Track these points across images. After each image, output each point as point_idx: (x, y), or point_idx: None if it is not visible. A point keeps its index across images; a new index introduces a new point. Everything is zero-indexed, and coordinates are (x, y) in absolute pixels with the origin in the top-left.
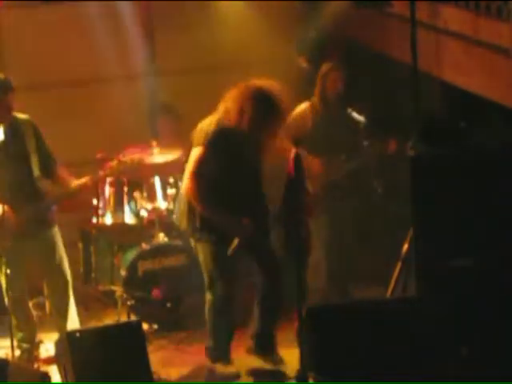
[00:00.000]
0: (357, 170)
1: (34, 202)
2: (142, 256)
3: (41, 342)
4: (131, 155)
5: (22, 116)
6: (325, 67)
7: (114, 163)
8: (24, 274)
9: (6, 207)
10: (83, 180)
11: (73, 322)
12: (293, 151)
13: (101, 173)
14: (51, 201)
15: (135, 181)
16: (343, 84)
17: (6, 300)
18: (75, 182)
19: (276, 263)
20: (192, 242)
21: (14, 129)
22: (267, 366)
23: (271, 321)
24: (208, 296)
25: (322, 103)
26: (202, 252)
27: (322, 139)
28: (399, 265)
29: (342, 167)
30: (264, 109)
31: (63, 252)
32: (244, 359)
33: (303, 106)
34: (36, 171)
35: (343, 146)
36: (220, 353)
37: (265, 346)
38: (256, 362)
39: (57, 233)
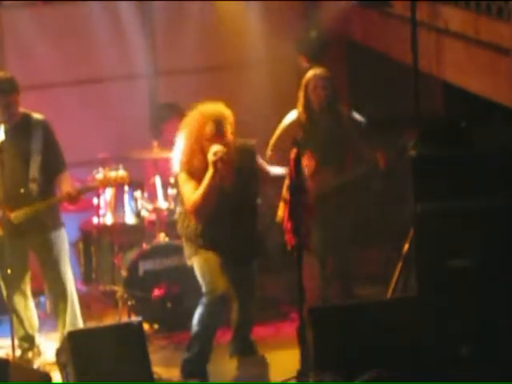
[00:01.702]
0: (346, 185)
1: (24, 204)
2: (143, 256)
3: (39, 345)
4: (117, 171)
5: (35, 116)
6: (307, 76)
7: (100, 177)
8: (23, 274)
9: (1, 207)
10: (70, 191)
11: (74, 323)
12: (293, 151)
13: (86, 185)
14: (38, 206)
15: (136, 181)
16: (326, 91)
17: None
18: (60, 192)
19: (252, 290)
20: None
21: (19, 129)
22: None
23: (249, 322)
24: (205, 301)
25: (306, 115)
26: (203, 258)
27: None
28: (399, 265)
29: (330, 181)
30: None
31: (64, 256)
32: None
33: (289, 120)
34: (33, 173)
35: (333, 158)
36: (198, 366)
37: (246, 347)
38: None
39: (58, 237)
